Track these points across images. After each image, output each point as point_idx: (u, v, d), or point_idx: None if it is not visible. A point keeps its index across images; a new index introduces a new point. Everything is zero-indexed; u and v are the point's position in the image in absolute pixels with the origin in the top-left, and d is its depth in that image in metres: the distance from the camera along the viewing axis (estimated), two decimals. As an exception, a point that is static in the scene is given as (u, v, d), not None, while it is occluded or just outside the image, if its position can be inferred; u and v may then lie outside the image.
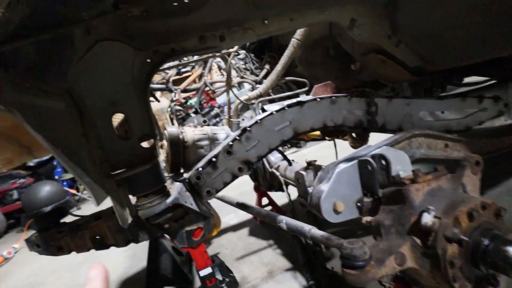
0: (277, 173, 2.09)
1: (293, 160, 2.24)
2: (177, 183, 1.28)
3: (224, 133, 1.49)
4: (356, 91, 1.58)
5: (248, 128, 1.35)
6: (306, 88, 1.67)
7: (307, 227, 1.20)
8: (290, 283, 2.03)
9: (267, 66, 2.64)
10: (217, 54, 1.49)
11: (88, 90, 1.02)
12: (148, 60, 1.12)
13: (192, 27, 1.13)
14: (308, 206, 1.27)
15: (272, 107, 1.44)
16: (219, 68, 2.72)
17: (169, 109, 2.61)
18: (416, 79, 1.80)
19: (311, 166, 1.78)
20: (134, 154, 1.06)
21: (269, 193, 2.95)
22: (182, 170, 1.46)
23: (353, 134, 1.72)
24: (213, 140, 1.44)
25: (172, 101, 2.55)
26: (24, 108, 0.59)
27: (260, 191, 2.85)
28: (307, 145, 5.97)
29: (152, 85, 2.54)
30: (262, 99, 1.49)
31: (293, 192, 2.22)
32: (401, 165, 1.25)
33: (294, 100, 1.46)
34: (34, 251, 1.21)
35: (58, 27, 0.63)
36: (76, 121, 0.94)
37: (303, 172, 1.26)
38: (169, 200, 1.09)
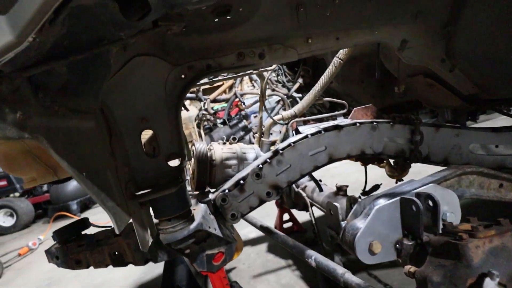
0: (304, 194, 1.99)
1: (320, 180, 2.13)
2: (202, 204, 1.22)
3: (253, 153, 1.42)
4: (399, 117, 1.45)
5: (281, 151, 1.27)
6: (344, 111, 1.57)
7: (340, 270, 1.09)
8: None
9: (300, 80, 2.55)
10: (254, 71, 1.43)
11: (119, 105, 0.99)
12: (183, 76, 1.08)
13: (231, 43, 1.08)
14: (339, 241, 1.16)
15: (307, 130, 1.35)
16: (250, 79, 2.67)
17: (197, 117, 2.60)
18: (467, 107, 1.64)
19: (342, 192, 1.67)
20: (161, 173, 1.01)
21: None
22: (207, 189, 1.41)
23: (392, 162, 1.59)
24: (241, 160, 1.38)
25: (200, 109, 2.53)
26: (50, 132, 0.55)
27: (282, 207, 2.74)
28: (333, 159, 5.81)
29: None
30: (296, 119, 1.41)
31: (316, 212, 2.10)
32: (448, 206, 1.12)
33: (331, 123, 1.36)
34: (53, 263, 1.19)
35: (94, 47, 0.59)
36: (104, 139, 0.91)
37: (337, 204, 1.16)
38: (192, 226, 1.03)
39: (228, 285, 1.46)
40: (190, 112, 2.59)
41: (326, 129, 1.32)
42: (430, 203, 1.04)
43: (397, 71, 1.63)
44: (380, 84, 2.32)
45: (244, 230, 3.56)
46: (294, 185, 2.18)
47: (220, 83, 2.61)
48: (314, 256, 1.20)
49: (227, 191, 1.24)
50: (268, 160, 1.26)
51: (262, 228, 1.65)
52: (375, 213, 1.06)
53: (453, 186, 1.21)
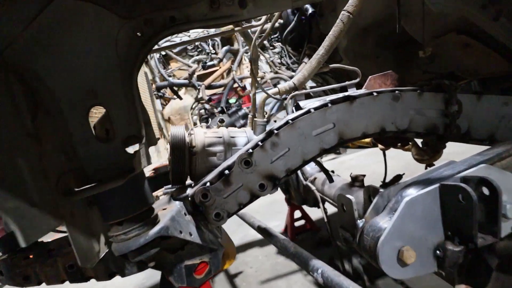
0: (313, 188, 1.70)
1: (332, 172, 1.83)
2: (176, 202, 0.96)
3: (245, 137, 1.15)
4: (430, 84, 1.13)
5: (275, 131, 0.99)
6: (357, 80, 1.26)
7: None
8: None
9: (306, 60, 2.25)
10: (236, 29, 1.16)
11: (55, 73, 0.74)
12: (138, 34, 0.82)
13: (198, -15, 0.81)
14: (356, 246, 0.87)
15: (310, 104, 1.06)
16: (251, 62, 2.39)
17: (195, 107, 2.35)
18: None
19: (358, 182, 1.37)
20: (116, 162, 0.75)
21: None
22: (190, 182, 1.14)
23: (420, 144, 1.27)
24: (229, 146, 1.11)
25: (197, 100, 2.27)
26: None
27: (292, 204, 2.46)
28: (348, 151, 5.42)
29: (174, 81, 2.29)
30: (296, 92, 1.13)
31: (330, 208, 1.81)
32: (509, 195, 0.81)
33: (341, 95, 1.06)
34: (-3, 279, 0.96)
35: None
36: (18, 116, 0.66)
37: (351, 197, 0.87)
38: (153, 231, 0.76)
39: None
40: (185, 101, 2.35)
41: (334, 102, 1.02)
42: (486, 190, 0.73)
43: (420, 32, 1.31)
44: (401, 58, 1.99)
45: (252, 230, 3.30)
46: (302, 177, 1.89)
47: (216, 67, 2.34)
48: (321, 270, 0.91)
49: (208, 184, 0.97)
50: (259, 143, 0.98)
51: (260, 229, 1.38)
52: (404, 208, 0.76)
53: (510, 168, 0.89)
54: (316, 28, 2.34)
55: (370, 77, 1.19)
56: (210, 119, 2.41)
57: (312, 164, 1.96)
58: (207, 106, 2.34)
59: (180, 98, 2.36)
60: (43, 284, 0.99)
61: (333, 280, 0.83)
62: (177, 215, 0.88)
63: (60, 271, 0.97)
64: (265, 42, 2.59)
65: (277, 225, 3.23)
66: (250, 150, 0.98)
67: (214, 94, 2.59)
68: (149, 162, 0.85)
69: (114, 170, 0.72)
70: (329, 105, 1.01)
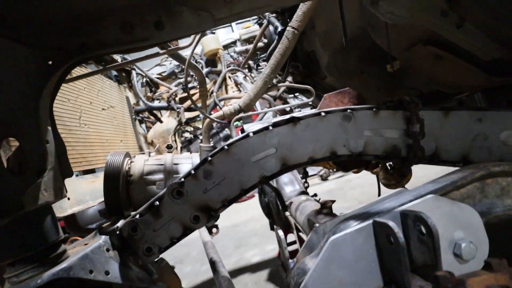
0: (287, 214, 1.58)
1: (314, 195, 1.71)
2: (103, 236, 0.89)
3: (189, 164, 1.08)
4: (389, 101, 1.02)
5: (209, 158, 0.91)
6: (310, 100, 1.17)
7: None
8: None
9: (289, 79, 2.19)
10: (162, 52, 1.12)
11: None
12: (50, 62, 0.79)
13: (106, 9, 0.77)
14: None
15: (252, 127, 0.98)
16: (236, 83, 2.36)
17: (177, 129, 2.32)
18: (496, 81, 1.16)
19: (326, 209, 1.25)
20: (4, 198, 0.70)
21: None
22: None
23: (388, 166, 1.15)
24: (170, 174, 1.04)
25: (179, 123, 2.24)
26: None
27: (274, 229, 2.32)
28: (356, 169, 5.21)
29: (152, 104, 2.30)
30: (241, 115, 1.06)
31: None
32: (465, 231, 0.69)
33: (286, 117, 0.98)
34: None
35: None
36: None
37: (280, 233, 0.76)
38: (49, 272, 0.69)
39: None
40: (168, 124, 2.34)
41: (276, 124, 0.94)
42: (423, 229, 0.61)
43: (388, 44, 1.22)
44: (386, 73, 1.88)
45: (249, 253, 3.15)
46: (279, 202, 1.78)
47: (196, 90, 2.33)
48: None
49: (138, 216, 0.90)
50: (192, 171, 0.91)
51: (210, 261, 1.27)
52: (329, 249, 0.65)
53: (473, 197, 0.76)
54: (299, 45, 2.29)
55: (325, 95, 1.10)
56: (191, 142, 2.38)
57: (291, 186, 1.85)
58: (188, 128, 2.32)
59: (161, 121, 2.35)
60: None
61: None
62: (93, 251, 0.81)
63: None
64: (251, 61, 2.57)
65: (274, 248, 3.07)
66: (182, 179, 0.90)
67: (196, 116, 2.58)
68: (60, 196, 0.80)
69: (3, 206, 0.67)
70: (270, 127, 0.93)
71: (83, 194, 1.32)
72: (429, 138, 0.98)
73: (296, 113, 0.99)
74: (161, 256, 1.02)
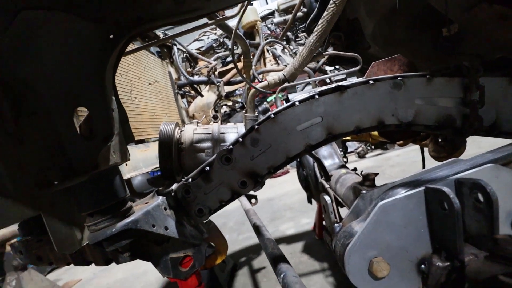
0: (326, 186, 1.59)
1: (354, 169, 1.70)
2: (159, 197, 0.98)
3: (235, 133, 1.12)
4: (445, 68, 0.96)
5: (256, 127, 0.94)
6: (357, 68, 1.13)
7: None
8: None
9: (330, 50, 2.11)
10: (210, 22, 1.12)
11: (39, 77, 0.81)
12: (111, 36, 0.85)
13: (161, -19, 0.80)
14: (333, 252, 0.79)
15: (297, 96, 0.99)
16: (274, 56, 2.33)
17: (217, 103, 2.37)
18: None
19: (368, 182, 1.24)
20: (83, 159, 0.80)
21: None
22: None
23: (439, 139, 1.10)
24: (218, 142, 1.09)
25: (219, 97, 2.28)
26: None
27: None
28: (396, 147, 4.96)
29: (193, 79, 2.36)
30: (287, 84, 1.06)
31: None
32: None
33: (332, 85, 0.97)
34: (18, 257, 1.10)
35: None
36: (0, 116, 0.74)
37: (327, 198, 0.79)
38: (121, 223, 0.79)
39: None
40: (208, 98, 2.39)
41: (322, 93, 0.93)
42: (480, 197, 0.60)
43: (446, 5, 1.12)
44: (438, 41, 1.73)
45: (283, 226, 3.25)
46: (319, 174, 1.79)
47: (232, 65, 2.32)
48: (283, 274, 0.84)
49: (190, 180, 0.97)
50: (240, 139, 0.95)
51: (254, 226, 1.34)
52: (378, 213, 0.66)
53: (538, 169, 0.71)
54: (342, 13, 2.17)
55: (373, 63, 1.06)
56: (231, 115, 2.42)
57: (331, 160, 1.84)
58: (227, 103, 2.36)
59: (201, 95, 2.41)
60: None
61: (289, 286, 0.76)
62: (154, 209, 0.90)
63: (66, 255, 1.07)
64: (289, 33, 2.50)
65: (307, 222, 3.13)
66: (231, 147, 0.95)
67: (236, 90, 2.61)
68: (125, 159, 0.88)
69: (80, 166, 0.77)
70: (316, 96, 0.93)
71: (137, 162, 1.45)
72: (488, 108, 0.92)
73: (343, 82, 0.97)
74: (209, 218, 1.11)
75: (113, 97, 0.87)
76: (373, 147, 5.26)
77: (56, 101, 0.81)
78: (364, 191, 0.78)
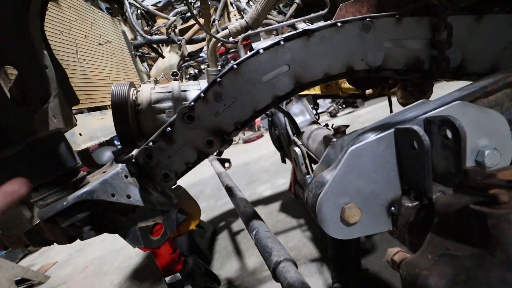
0: (299, 142, 1.57)
1: (326, 125, 1.69)
2: (120, 164, 0.90)
3: (198, 90, 1.03)
4: (412, 7, 0.91)
5: (219, 79, 0.86)
6: (324, 11, 1.06)
7: (275, 258, 0.69)
8: (313, 278, 1.60)
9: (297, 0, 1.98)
10: None
11: None
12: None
13: None
14: (305, 204, 0.77)
15: (262, 44, 0.91)
16: (239, 10, 2.16)
17: (181, 64, 2.20)
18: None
19: (339, 134, 1.23)
20: (14, 125, 0.69)
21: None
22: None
23: (407, 84, 1.08)
24: (179, 101, 1.00)
25: (182, 57, 2.10)
26: None
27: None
28: (366, 104, 5.07)
29: (151, 38, 2.15)
30: (249, 32, 0.97)
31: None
32: (489, 138, 0.66)
33: (298, 31, 0.89)
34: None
35: None
36: None
37: (296, 149, 0.75)
38: (74, 195, 0.71)
39: (179, 263, 1.19)
40: (170, 59, 2.22)
41: (287, 38, 0.86)
42: (449, 133, 0.58)
43: None
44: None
45: (260, 187, 3.30)
46: (291, 132, 1.76)
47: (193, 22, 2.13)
48: (256, 230, 0.83)
49: (151, 144, 0.89)
50: (202, 95, 0.87)
51: (227, 188, 1.31)
52: (348, 159, 0.63)
53: (501, 105, 0.71)
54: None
55: (341, 5, 0.98)
56: (197, 77, 2.28)
57: (302, 117, 1.82)
58: (192, 62, 2.20)
59: (162, 56, 2.22)
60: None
61: (261, 242, 0.75)
62: (112, 177, 0.83)
63: (22, 237, 0.98)
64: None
65: (284, 182, 3.20)
66: (192, 103, 0.87)
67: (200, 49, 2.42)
68: (70, 124, 0.78)
69: (13, 134, 0.66)
70: (281, 42, 0.85)
71: (94, 131, 1.32)
72: (455, 48, 0.90)
73: (310, 26, 0.90)
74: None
75: (45, 52, 0.74)
76: (344, 105, 5.34)
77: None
78: (334, 139, 0.76)
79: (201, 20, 1.74)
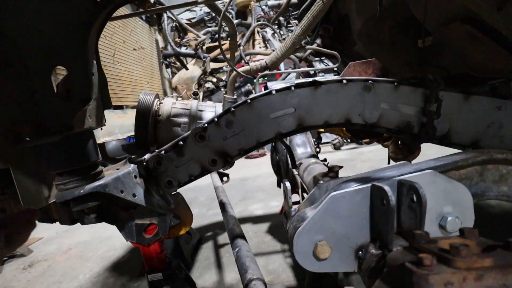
0: (295, 173, 1.68)
1: (324, 160, 1.79)
2: (132, 165, 1.01)
3: (212, 112, 1.15)
4: (412, 78, 1.04)
5: (232, 109, 0.98)
6: (335, 65, 1.19)
7: (249, 276, 0.79)
8: (286, 306, 1.66)
9: (318, 41, 2.14)
10: (200, 0, 1.11)
11: (20, 30, 0.79)
12: (98, 0, 0.84)
13: (152, -49, 0.80)
14: (286, 234, 0.87)
15: (275, 85, 1.03)
16: (264, 39, 2.33)
17: (201, 78, 2.36)
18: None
19: (332, 173, 1.33)
20: (59, 119, 0.81)
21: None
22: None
23: (399, 141, 1.19)
24: (194, 119, 1.12)
25: (204, 72, 2.27)
26: None
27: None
28: (370, 143, 5.20)
29: (180, 50, 2.32)
30: (266, 72, 1.10)
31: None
32: (454, 206, 0.76)
33: (309, 79, 1.02)
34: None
35: None
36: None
37: (287, 184, 0.86)
38: (90, 186, 0.82)
39: (163, 263, 1.27)
40: (192, 71, 2.37)
41: (298, 85, 0.98)
42: (414, 197, 0.68)
43: (425, 17, 1.18)
44: (418, 48, 1.81)
45: (253, 206, 3.37)
46: (290, 161, 1.87)
47: (226, 42, 2.31)
48: (238, 248, 0.92)
49: (163, 152, 1.01)
50: (216, 119, 0.99)
51: (220, 203, 1.41)
52: (328, 203, 0.74)
53: (470, 179, 0.82)
54: (334, 7, 2.19)
55: (350, 63, 1.12)
56: (213, 93, 2.43)
57: (303, 148, 1.93)
58: (212, 79, 2.34)
59: (186, 68, 2.38)
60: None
61: (240, 260, 0.84)
62: (124, 176, 0.94)
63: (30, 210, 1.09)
64: (281, 18, 2.49)
65: (277, 205, 3.27)
66: (205, 125, 0.99)
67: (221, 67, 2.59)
68: (100, 124, 0.90)
69: (54, 125, 0.78)
70: (293, 88, 0.98)
71: (113, 127, 1.45)
72: (444, 119, 1.01)
73: (319, 78, 1.03)
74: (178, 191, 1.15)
75: (95, 62, 0.88)
76: (348, 140, 5.45)
77: (35, 56, 0.81)
78: (321, 182, 0.86)
79: (226, 46, 1.89)
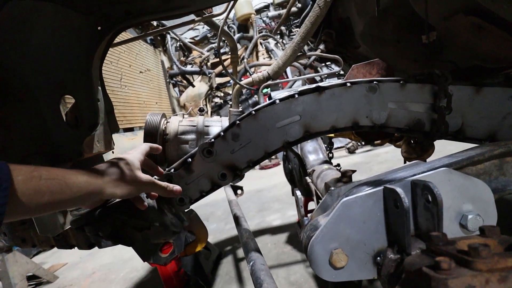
0: (309, 180, 1.66)
1: (337, 165, 1.76)
2: (142, 185, 1.03)
3: (219, 126, 1.16)
4: (418, 74, 1.02)
5: (238, 122, 0.99)
6: (338, 69, 1.18)
7: (266, 285, 0.77)
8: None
9: (321, 47, 2.14)
10: (197, 19, 1.14)
11: (26, 65, 0.83)
12: (99, 28, 0.87)
13: (149, -22, 0.83)
14: (300, 242, 0.85)
15: (279, 95, 1.04)
16: (267, 50, 2.35)
17: (208, 94, 2.41)
18: (540, 56, 1.09)
19: (345, 178, 1.31)
20: (68, 147, 0.84)
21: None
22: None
23: (411, 140, 1.16)
24: (202, 135, 1.13)
25: (210, 88, 2.32)
26: None
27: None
28: (386, 143, 5.08)
29: (185, 69, 2.38)
30: (269, 83, 1.10)
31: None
32: (474, 204, 0.73)
33: (312, 86, 1.01)
34: (2, 239, 1.15)
35: None
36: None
37: (298, 193, 0.84)
38: (102, 210, 0.84)
39: (181, 282, 1.26)
40: (199, 88, 2.42)
41: (302, 92, 0.98)
42: (430, 197, 0.66)
43: (426, 12, 1.16)
44: (424, 43, 1.78)
45: (270, 217, 3.33)
46: (301, 169, 1.85)
47: (228, 56, 2.36)
48: (253, 262, 0.90)
49: (173, 170, 1.02)
50: (222, 133, 0.99)
51: (234, 216, 1.40)
52: (340, 209, 0.72)
53: (489, 174, 0.78)
54: (335, 12, 2.20)
55: (353, 66, 1.11)
56: (221, 107, 2.46)
57: (315, 155, 1.90)
58: (219, 94, 2.38)
59: (193, 85, 2.43)
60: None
61: (255, 274, 0.82)
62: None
63: (50, 238, 1.12)
64: (283, 27, 2.52)
65: (294, 214, 3.22)
66: (212, 140, 0.99)
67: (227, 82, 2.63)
68: (109, 148, 0.92)
69: (65, 153, 0.81)
70: (296, 95, 0.97)
71: (125, 149, 1.48)
72: (455, 114, 0.98)
73: (323, 83, 1.02)
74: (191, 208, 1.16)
75: (99, 88, 0.91)
76: (363, 143, 5.36)
77: (43, 89, 0.85)
78: (332, 188, 0.84)
79: (228, 64, 1.92)
